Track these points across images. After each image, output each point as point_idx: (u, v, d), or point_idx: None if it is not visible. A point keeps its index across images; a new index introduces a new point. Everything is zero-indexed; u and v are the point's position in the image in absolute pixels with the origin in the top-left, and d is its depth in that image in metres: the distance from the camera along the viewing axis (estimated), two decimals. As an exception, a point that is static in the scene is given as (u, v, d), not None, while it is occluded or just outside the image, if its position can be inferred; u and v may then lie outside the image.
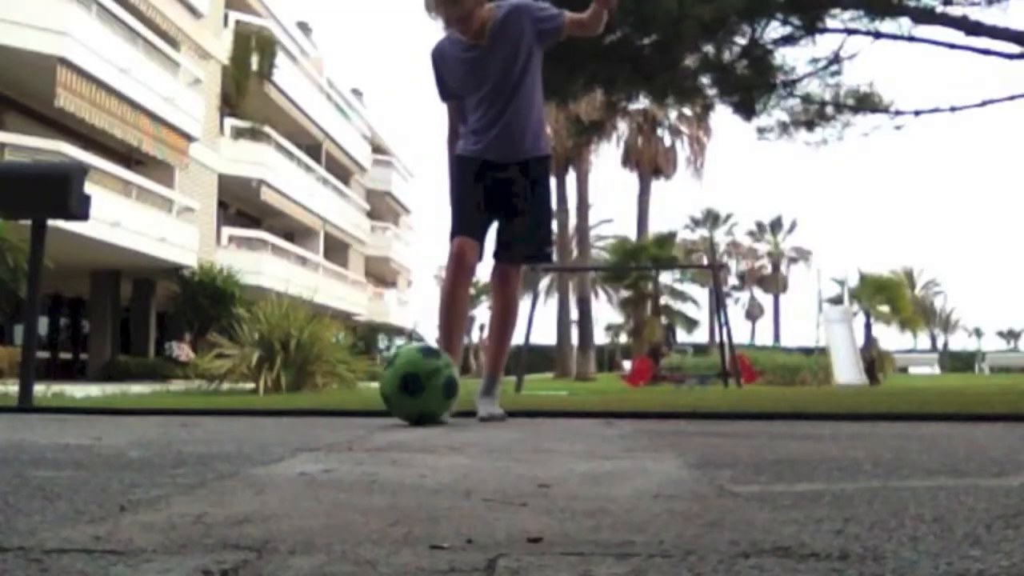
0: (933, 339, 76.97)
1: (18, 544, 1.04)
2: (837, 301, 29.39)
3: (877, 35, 7.64)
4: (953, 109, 7.92)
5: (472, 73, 3.60)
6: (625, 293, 33.15)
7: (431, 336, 43.48)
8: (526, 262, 3.77)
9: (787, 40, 7.92)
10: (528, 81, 3.60)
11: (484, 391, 3.71)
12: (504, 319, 3.79)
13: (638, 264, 28.52)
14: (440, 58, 3.69)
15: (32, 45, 16.27)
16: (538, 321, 18.39)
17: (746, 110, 8.38)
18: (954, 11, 7.44)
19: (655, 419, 3.87)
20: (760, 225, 63.88)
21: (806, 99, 8.45)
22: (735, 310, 61.58)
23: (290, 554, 1.01)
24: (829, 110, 8.48)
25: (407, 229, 45.04)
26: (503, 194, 3.63)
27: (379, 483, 1.64)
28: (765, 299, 63.89)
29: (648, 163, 36.30)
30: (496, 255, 3.71)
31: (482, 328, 46.10)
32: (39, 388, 5.72)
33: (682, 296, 36.50)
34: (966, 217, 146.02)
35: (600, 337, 46.26)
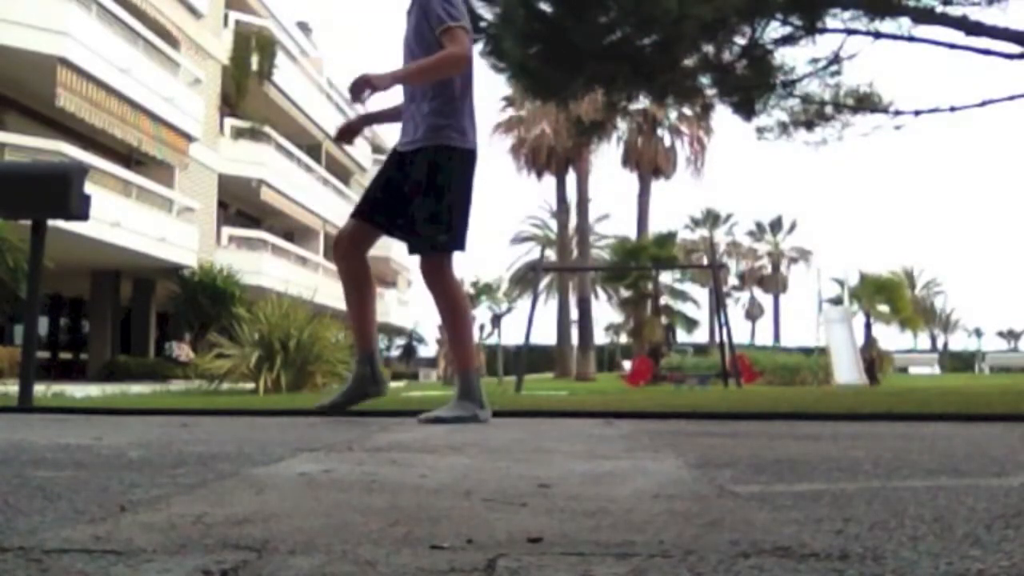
0: (933, 339, 76.96)
1: (18, 544, 1.04)
2: (837, 301, 29.40)
3: (877, 35, 7.63)
4: (953, 109, 7.91)
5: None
6: (625, 293, 33.15)
7: (431, 336, 43.50)
8: (416, 253, 3.54)
9: (787, 40, 7.91)
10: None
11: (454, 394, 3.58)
12: (444, 316, 3.61)
13: (638, 264, 28.52)
14: None
15: (32, 45, 16.26)
16: (538, 321, 18.41)
17: (746, 110, 8.38)
18: (954, 11, 7.44)
19: (655, 419, 3.87)
20: (760, 225, 63.93)
21: (806, 99, 8.44)
22: (735, 310, 61.63)
23: (290, 554, 1.01)
24: (829, 110, 8.47)
25: (407, 229, 44.91)
26: (401, 185, 3.56)
27: (379, 483, 1.64)
28: (765, 299, 63.95)
29: (648, 163, 36.33)
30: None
31: (482, 328, 46.11)
32: (39, 388, 5.72)
33: (682, 296, 36.49)
34: (966, 217, 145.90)
35: (600, 337, 46.35)
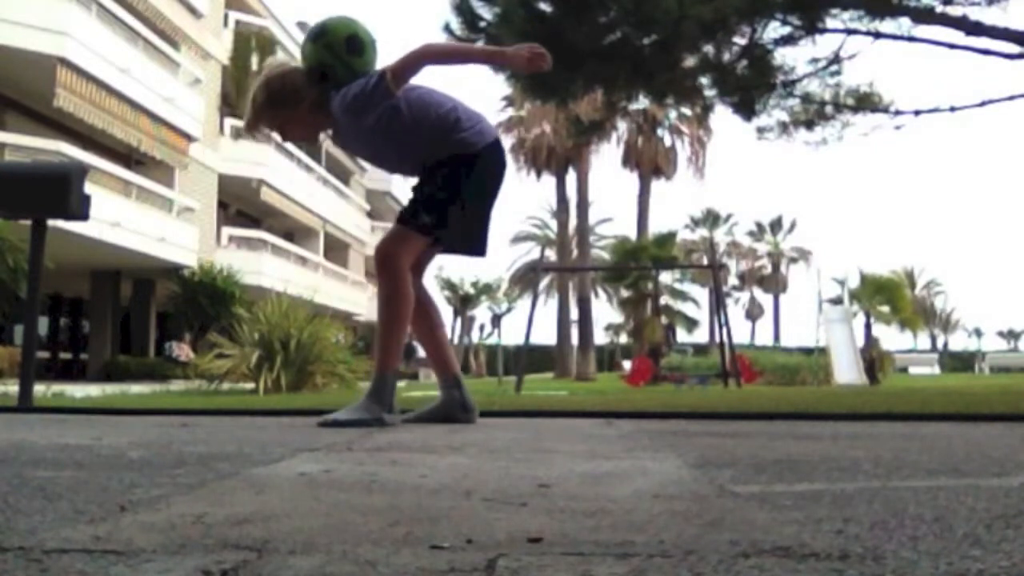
0: (933, 339, 77.05)
1: (18, 544, 1.04)
2: (837, 301, 29.39)
3: (877, 35, 7.63)
4: (953, 109, 7.92)
5: None
6: (625, 293, 33.16)
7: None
8: (398, 221, 3.43)
9: (787, 40, 7.92)
10: None
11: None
12: (379, 306, 3.41)
13: (638, 264, 28.52)
14: None
15: (32, 45, 16.27)
16: (538, 321, 18.41)
17: (746, 110, 8.38)
18: (954, 11, 7.44)
19: (655, 419, 3.87)
20: (760, 225, 63.99)
21: (806, 99, 8.45)
22: (735, 310, 61.75)
23: (290, 554, 1.01)
24: (829, 110, 8.48)
25: (407, 229, 44.94)
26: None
27: (379, 483, 1.64)
28: (765, 299, 64.03)
29: (648, 163, 36.33)
30: None
31: (482, 328, 46.13)
32: (39, 388, 5.73)
33: (682, 296, 36.52)
34: (966, 217, 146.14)
35: (600, 337, 46.41)
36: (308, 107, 3.36)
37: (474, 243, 3.48)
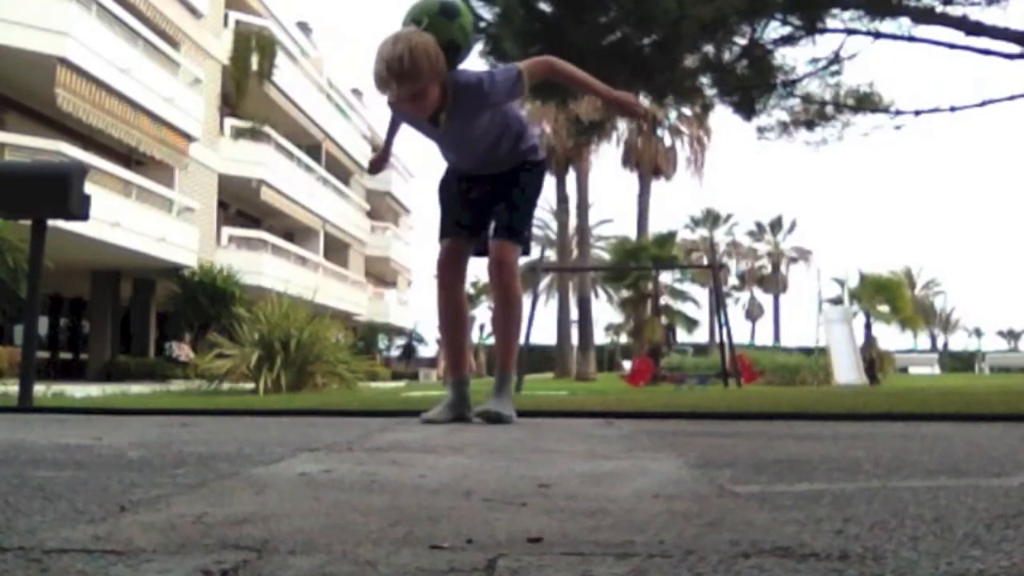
0: (933, 339, 77.10)
1: (18, 544, 1.04)
2: (837, 301, 29.37)
3: (877, 35, 7.63)
4: (953, 109, 7.91)
5: None
6: (625, 293, 33.16)
7: (431, 336, 43.47)
8: (507, 239, 3.59)
9: (787, 40, 7.91)
10: None
11: (493, 391, 3.66)
12: (503, 312, 3.66)
13: (638, 264, 28.51)
14: None
15: (32, 45, 16.27)
16: (538, 321, 18.44)
17: (746, 110, 8.38)
18: (954, 11, 7.44)
19: (655, 419, 3.87)
20: (760, 225, 64.01)
21: (806, 99, 8.44)
22: (735, 310, 61.77)
23: (290, 554, 1.01)
24: (829, 110, 8.47)
25: (407, 229, 45.07)
26: (486, 198, 3.71)
27: (379, 483, 1.64)
28: (765, 299, 64.05)
29: (648, 163, 36.34)
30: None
31: (482, 328, 46.11)
32: (39, 388, 5.73)
33: (682, 296, 36.53)
34: (966, 217, 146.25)
35: (600, 337, 46.43)
36: (439, 82, 3.28)
37: (528, 244, 3.76)
